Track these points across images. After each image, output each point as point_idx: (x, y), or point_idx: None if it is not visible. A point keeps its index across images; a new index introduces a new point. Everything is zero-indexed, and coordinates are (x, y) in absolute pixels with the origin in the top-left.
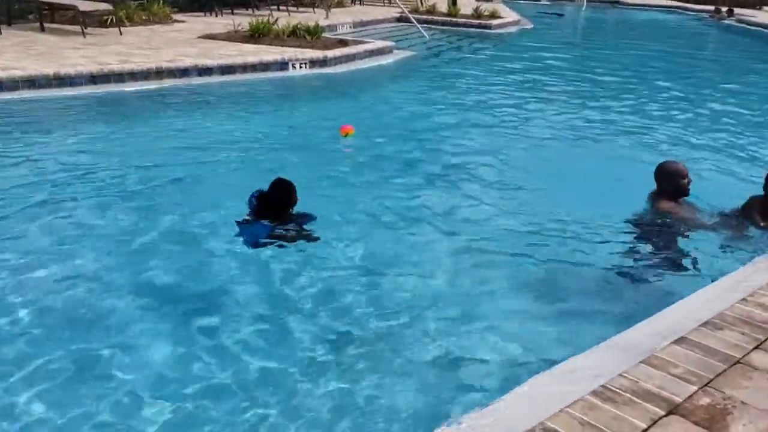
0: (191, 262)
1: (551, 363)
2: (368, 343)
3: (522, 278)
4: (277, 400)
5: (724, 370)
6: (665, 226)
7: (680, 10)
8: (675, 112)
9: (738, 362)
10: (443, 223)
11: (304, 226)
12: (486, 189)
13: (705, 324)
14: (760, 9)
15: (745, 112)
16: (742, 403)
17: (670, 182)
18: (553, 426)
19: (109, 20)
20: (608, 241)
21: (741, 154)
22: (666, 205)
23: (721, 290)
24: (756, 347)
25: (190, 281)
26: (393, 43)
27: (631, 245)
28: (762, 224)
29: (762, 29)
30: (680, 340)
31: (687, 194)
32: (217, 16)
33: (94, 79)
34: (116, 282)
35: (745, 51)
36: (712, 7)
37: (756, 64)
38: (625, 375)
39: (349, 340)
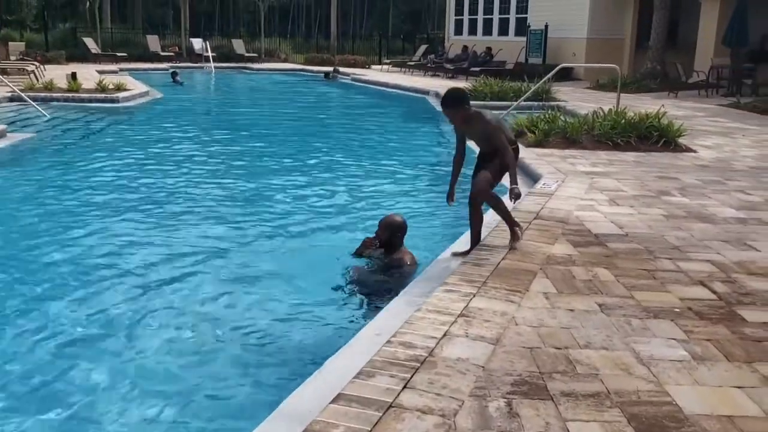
0: None
1: None
2: None
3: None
4: None
5: (380, 419)
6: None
7: (302, 72)
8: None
9: (391, 407)
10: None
11: None
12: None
13: (359, 374)
14: (369, 68)
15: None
16: None
17: (389, 233)
18: None
19: None
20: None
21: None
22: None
23: (368, 335)
24: (404, 387)
25: None
26: (5, 126)
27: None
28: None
29: (371, 85)
30: (338, 397)
31: (400, 245)
32: None
33: None
34: None
35: (365, 101)
36: (328, 68)
37: (375, 108)
38: None
39: None
